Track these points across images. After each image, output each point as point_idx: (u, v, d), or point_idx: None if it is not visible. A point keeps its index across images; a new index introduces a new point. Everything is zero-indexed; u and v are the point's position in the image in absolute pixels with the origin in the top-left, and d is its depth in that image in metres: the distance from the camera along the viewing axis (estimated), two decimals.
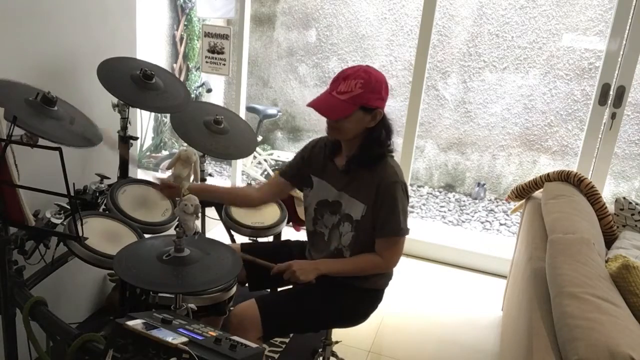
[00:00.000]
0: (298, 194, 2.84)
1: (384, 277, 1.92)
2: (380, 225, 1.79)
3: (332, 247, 1.90)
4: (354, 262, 1.85)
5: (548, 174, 2.58)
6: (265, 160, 5.25)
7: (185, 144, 2.22)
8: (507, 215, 5.07)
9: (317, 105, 1.72)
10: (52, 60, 2.12)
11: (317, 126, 5.62)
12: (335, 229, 1.88)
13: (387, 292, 1.97)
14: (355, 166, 1.81)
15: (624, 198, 2.48)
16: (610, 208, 2.48)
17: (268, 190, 2.06)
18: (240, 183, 3.94)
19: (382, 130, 1.77)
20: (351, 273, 1.85)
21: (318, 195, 1.92)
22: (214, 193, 2.10)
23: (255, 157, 5.18)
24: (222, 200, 2.22)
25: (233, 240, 2.41)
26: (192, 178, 2.18)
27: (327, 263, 1.86)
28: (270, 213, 2.36)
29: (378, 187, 1.76)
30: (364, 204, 1.79)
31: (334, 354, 2.16)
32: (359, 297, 1.89)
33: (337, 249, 1.88)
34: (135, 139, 2.34)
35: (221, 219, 2.33)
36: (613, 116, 2.99)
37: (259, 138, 5.18)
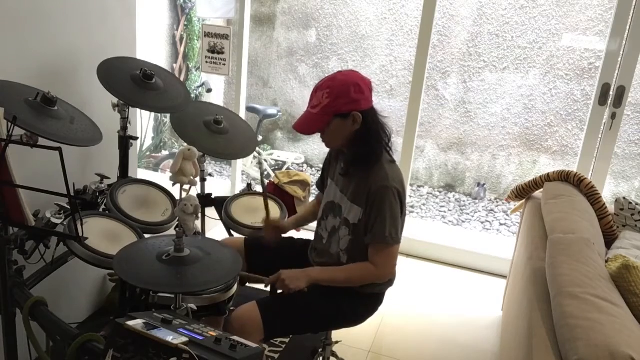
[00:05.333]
0: (298, 193, 2.84)
1: (385, 282, 1.90)
2: (368, 231, 1.77)
3: (332, 250, 1.90)
4: (346, 271, 1.82)
5: (548, 174, 2.58)
6: (265, 160, 5.25)
7: (185, 144, 2.22)
8: (507, 215, 5.07)
9: (297, 125, 1.77)
10: (52, 60, 2.12)
11: None
12: (335, 232, 1.88)
13: (387, 292, 1.97)
14: (351, 168, 1.82)
15: (624, 198, 2.48)
16: (610, 208, 2.48)
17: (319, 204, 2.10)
18: (240, 183, 3.95)
19: (368, 130, 1.75)
20: (344, 282, 1.81)
21: (328, 196, 1.94)
22: (302, 220, 2.16)
23: (255, 157, 5.19)
24: (310, 221, 2.21)
25: None
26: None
27: (319, 271, 1.85)
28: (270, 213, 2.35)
29: (369, 191, 1.75)
30: (360, 208, 1.79)
31: (334, 354, 2.16)
32: (360, 300, 1.89)
33: (336, 253, 1.88)
34: (135, 139, 2.34)
35: (221, 219, 2.33)
36: (613, 116, 2.99)
37: (259, 138, 5.18)
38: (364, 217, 1.77)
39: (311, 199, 2.82)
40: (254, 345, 1.18)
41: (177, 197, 2.11)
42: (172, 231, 1.88)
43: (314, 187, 2.27)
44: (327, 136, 1.78)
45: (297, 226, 2.17)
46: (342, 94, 1.69)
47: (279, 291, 1.79)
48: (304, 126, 1.75)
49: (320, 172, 2.10)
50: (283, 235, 2.30)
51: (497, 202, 5.29)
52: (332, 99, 1.69)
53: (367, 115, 1.74)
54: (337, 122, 1.72)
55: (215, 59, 3.58)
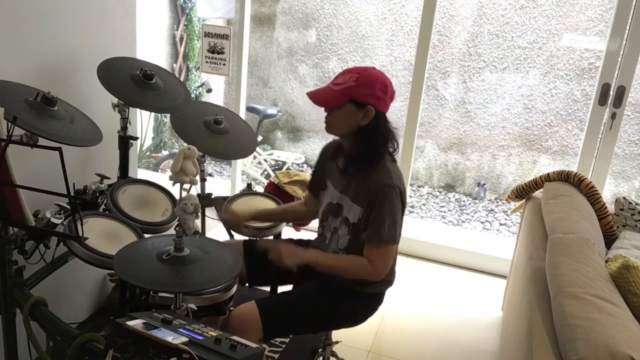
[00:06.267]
0: (298, 193, 2.84)
1: (384, 282, 1.90)
2: (366, 228, 1.76)
3: (330, 249, 1.90)
4: (341, 260, 1.82)
5: (548, 174, 2.58)
6: (265, 160, 5.25)
7: (185, 144, 2.22)
8: (507, 215, 5.07)
9: (312, 93, 1.77)
10: (52, 60, 2.12)
11: (317, 126, 5.62)
12: (336, 232, 1.88)
13: (387, 292, 1.96)
14: (351, 167, 1.81)
15: (624, 198, 2.48)
16: (610, 208, 2.48)
17: (309, 204, 2.09)
18: (240, 183, 3.94)
19: (376, 131, 1.75)
20: (336, 270, 1.80)
21: (327, 198, 1.93)
22: (271, 216, 2.17)
23: (255, 157, 5.19)
24: (279, 220, 2.24)
25: None
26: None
27: (316, 254, 1.84)
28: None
29: (370, 189, 1.74)
30: (360, 207, 1.78)
31: (334, 354, 2.16)
32: (359, 301, 1.88)
33: (334, 252, 1.88)
34: (135, 139, 2.34)
35: (221, 219, 2.33)
36: (613, 116, 2.99)
37: (259, 138, 5.18)
38: (364, 215, 1.77)
39: None
40: (254, 345, 1.18)
41: (177, 196, 2.11)
42: (172, 231, 1.87)
43: None
44: (335, 118, 1.77)
45: (265, 217, 2.17)
46: (368, 85, 1.70)
47: (280, 291, 1.79)
48: (320, 97, 1.75)
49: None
50: (282, 238, 2.30)
51: (497, 202, 5.29)
52: (357, 84, 1.70)
53: (379, 116, 1.74)
54: (350, 109, 1.72)
55: (215, 59, 3.58)
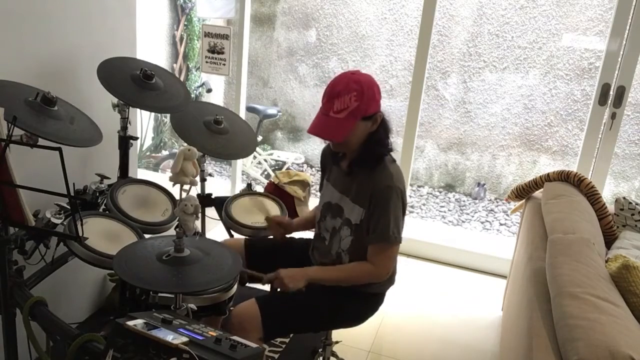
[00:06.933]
0: (298, 193, 2.84)
1: (386, 282, 1.90)
2: (371, 230, 1.76)
3: (333, 251, 1.89)
4: (344, 270, 1.83)
5: (548, 174, 2.58)
6: (265, 160, 5.25)
7: (185, 144, 2.22)
8: (507, 215, 5.07)
9: (319, 130, 1.70)
10: (52, 60, 2.12)
11: None
12: (337, 233, 1.88)
13: (387, 292, 1.97)
14: (357, 168, 1.81)
15: (624, 198, 2.48)
16: (610, 208, 2.48)
17: None
18: (240, 183, 3.94)
19: (381, 130, 1.76)
20: (342, 281, 1.82)
21: (324, 197, 1.93)
22: (302, 225, 2.11)
23: (255, 157, 5.19)
24: (308, 228, 2.17)
25: None
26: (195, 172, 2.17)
27: (317, 270, 1.85)
28: (270, 213, 2.36)
29: (372, 190, 1.75)
30: (362, 208, 1.78)
31: (334, 354, 2.16)
32: (360, 300, 1.89)
33: (337, 253, 1.88)
34: (135, 139, 2.34)
35: (221, 219, 2.33)
36: (613, 116, 2.99)
37: (259, 138, 5.18)
38: (366, 217, 1.77)
39: (311, 198, 2.82)
40: (254, 345, 1.18)
41: (177, 197, 2.11)
42: (172, 231, 1.87)
43: (314, 187, 2.27)
44: (346, 140, 1.72)
45: (306, 227, 2.11)
46: (370, 96, 1.67)
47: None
48: (332, 133, 1.69)
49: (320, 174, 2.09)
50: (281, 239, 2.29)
51: (497, 202, 5.29)
52: (361, 102, 1.65)
53: (382, 116, 1.75)
54: (361, 125, 1.70)
55: (215, 59, 3.58)
